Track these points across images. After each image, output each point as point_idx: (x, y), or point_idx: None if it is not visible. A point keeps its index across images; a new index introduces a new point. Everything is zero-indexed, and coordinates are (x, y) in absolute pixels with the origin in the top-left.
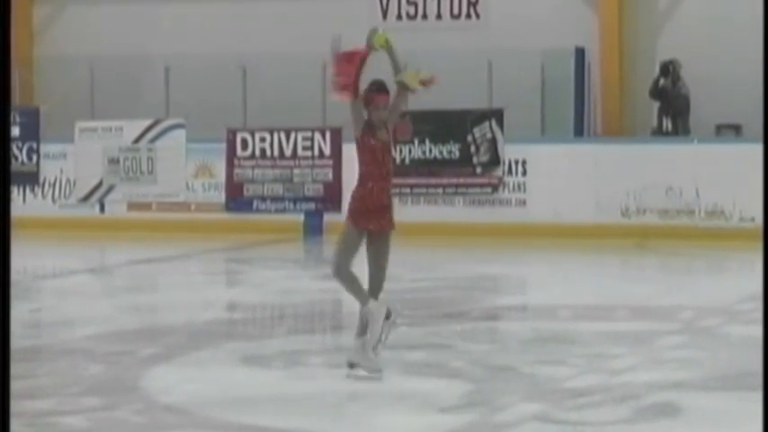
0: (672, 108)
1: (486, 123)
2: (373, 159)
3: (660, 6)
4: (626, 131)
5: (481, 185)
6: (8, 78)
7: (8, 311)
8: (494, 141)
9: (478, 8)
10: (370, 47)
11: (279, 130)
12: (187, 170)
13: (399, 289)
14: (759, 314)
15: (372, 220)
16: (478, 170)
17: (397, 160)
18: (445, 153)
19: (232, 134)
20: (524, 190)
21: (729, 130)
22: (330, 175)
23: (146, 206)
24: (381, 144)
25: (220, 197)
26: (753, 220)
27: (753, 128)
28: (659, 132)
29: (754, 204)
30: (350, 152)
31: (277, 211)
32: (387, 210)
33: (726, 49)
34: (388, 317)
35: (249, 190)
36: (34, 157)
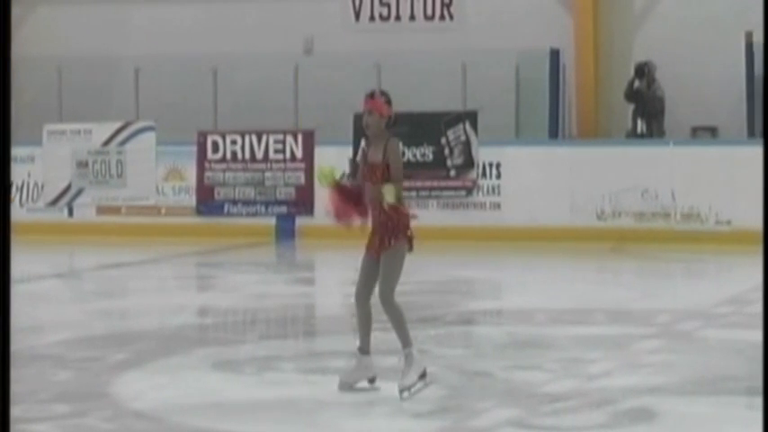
0: (647, 110)
1: (461, 125)
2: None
3: (635, 8)
4: (601, 134)
5: (455, 188)
6: (8, 78)
7: (8, 314)
8: (468, 144)
9: (452, 9)
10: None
11: (250, 133)
12: (157, 173)
13: (373, 293)
14: (736, 318)
15: (368, 242)
16: (452, 173)
17: None
18: (419, 156)
19: (203, 137)
20: (499, 193)
21: (705, 133)
22: (302, 179)
23: (115, 210)
24: (369, 165)
25: (191, 201)
26: (729, 223)
27: (729, 130)
28: (634, 134)
29: (730, 207)
30: (322, 155)
31: (248, 214)
32: (377, 232)
33: (701, 51)
34: (423, 376)
35: (220, 193)
36: None
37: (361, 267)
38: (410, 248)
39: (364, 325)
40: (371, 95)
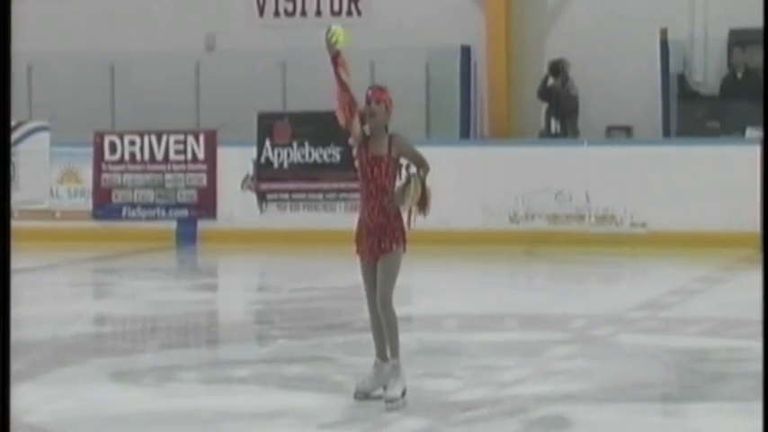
0: (561, 109)
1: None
2: (362, 176)
3: (548, 4)
4: (514, 133)
5: None
6: (8, 78)
7: (8, 314)
8: None
9: (360, 5)
10: (334, 51)
11: (149, 133)
12: (51, 176)
13: (278, 299)
14: (652, 323)
15: (360, 246)
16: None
17: (275, 164)
18: (326, 157)
19: (99, 137)
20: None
21: (620, 132)
22: (204, 181)
23: None
24: (370, 157)
25: (87, 204)
26: (644, 225)
27: (644, 129)
28: (547, 134)
29: (646, 209)
30: (224, 156)
31: (148, 218)
32: (374, 233)
33: (616, 49)
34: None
35: (118, 196)
36: None
37: (364, 277)
38: (404, 249)
39: (379, 332)
40: (380, 88)
